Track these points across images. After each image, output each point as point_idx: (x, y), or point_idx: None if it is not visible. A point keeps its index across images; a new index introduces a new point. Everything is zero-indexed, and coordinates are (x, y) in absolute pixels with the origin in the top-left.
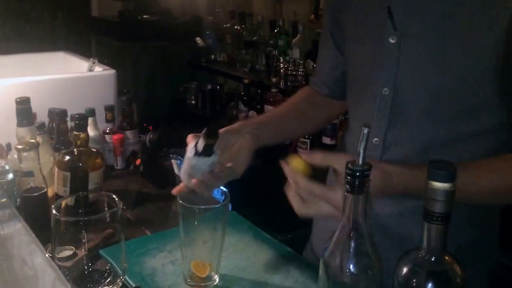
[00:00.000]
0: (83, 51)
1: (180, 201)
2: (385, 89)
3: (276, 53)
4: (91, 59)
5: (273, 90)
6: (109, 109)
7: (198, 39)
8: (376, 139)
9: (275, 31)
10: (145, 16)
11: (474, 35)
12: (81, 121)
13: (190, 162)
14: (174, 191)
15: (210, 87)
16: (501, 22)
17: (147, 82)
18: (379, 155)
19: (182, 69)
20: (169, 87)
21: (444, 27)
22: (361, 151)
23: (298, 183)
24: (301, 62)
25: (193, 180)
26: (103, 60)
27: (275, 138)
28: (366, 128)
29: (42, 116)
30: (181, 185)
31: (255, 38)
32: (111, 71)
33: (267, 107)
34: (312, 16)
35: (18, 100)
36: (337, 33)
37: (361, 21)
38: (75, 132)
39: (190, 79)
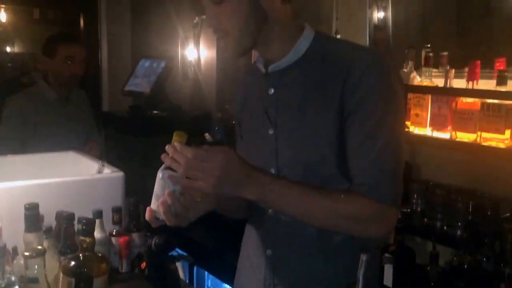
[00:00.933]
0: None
1: None
2: (272, 169)
3: None
4: (100, 162)
5: None
6: (116, 211)
7: (207, 135)
8: (270, 211)
9: None
10: (155, 112)
11: (321, 121)
12: (88, 226)
13: (157, 177)
14: (147, 217)
15: None
16: (334, 107)
17: (154, 173)
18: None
19: None
20: None
21: (303, 119)
22: (360, 277)
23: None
24: None
25: (160, 201)
26: (113, 154)
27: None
28: (365, 255)
29: (49, 218)
30: (148, 210)
31: None
32: (119, 174)
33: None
34: None
35: (27, 206)
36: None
37: (250, 118)
38: (81, 237)
39: None
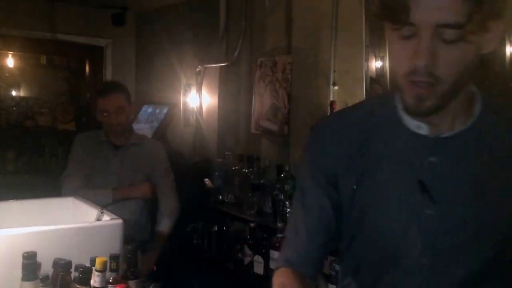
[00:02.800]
0: None
1: None
2: (425, 258)
3: (282, 197)
4: (99, 209)
5: (279, 235)
6: (114, 258)
7: (207, 180)
8: None
9: (282, 175)
10: None
11: (505, 207)
12: (85, 275)
13: None
14: None
15: (216, 228)
16: None
17: (155, 217)
18: None
19: (190, 209)
20: (177, 226)
21: (478, 200)
22: None
23: None
24: None
25: None
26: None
27: None
28: None
29: (46, 265)
30: None
31: (262, 181)
32: (119, 221)
33: (273, 252)
34: None
35: (25, 255)
36: (334, 194)
37: (383, 187)
38: (77, 286)
39: (198, 219)
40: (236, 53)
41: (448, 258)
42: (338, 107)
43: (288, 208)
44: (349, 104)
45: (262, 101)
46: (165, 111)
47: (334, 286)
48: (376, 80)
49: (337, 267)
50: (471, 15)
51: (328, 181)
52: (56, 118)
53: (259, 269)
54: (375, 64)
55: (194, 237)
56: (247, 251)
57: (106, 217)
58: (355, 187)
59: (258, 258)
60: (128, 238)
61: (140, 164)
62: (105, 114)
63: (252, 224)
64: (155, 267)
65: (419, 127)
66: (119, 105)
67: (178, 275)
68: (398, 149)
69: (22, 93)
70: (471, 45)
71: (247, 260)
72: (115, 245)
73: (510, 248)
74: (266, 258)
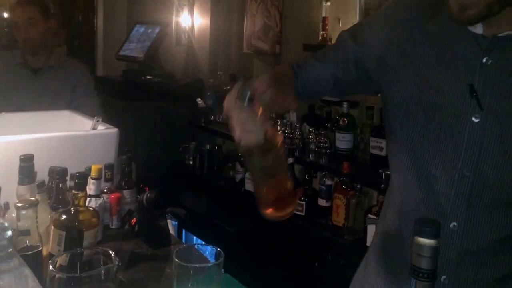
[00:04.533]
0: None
1: (176, 260)
2: (466, 171)
3: (274, 116)
4: (95, 118)
5: None
6: (108, 167)
7: (199, 100)
8: (454, 223)
9: None
10: (148, 77)
11: None
12: (81, 180)
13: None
14: None
15: (208, 148)
16: None
17: (147, 141)
18: (457, 242)
19: (182, 129)
20: (169, 146)
21: None
22: None
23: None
24: (297, 125)
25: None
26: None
27: None
28: None
29: (42, 174)
30: None
31: None
32: (114, 130)
33: None
34: None
35: (22, 157)
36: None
37: (430, 87)
38: (73, 191)
39: (190, 139)
40: None
41: (492, 174)
42: (330, 23)
43: (279, 126)
44: (342, 20)
45: (254, 20)
46: (157, 30)
47: (324, 201)
48: None
49: (327, 182)
50: None
51: (361, 58)
52: None
53: (250, 185)
54: None
55: (186, 157)
56: (239, 168)
57: (101, 126)
58: (402, 76)
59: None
60: (122, 148)
61: (59, 90)
62: (14, 27)
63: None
64: (146, 188)
65: (477, 27)
66: (28, 16)
67: (172, 193)
68: (454, 48)
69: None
70: None
71: (238, 177)
72: (110, 154)
73: None
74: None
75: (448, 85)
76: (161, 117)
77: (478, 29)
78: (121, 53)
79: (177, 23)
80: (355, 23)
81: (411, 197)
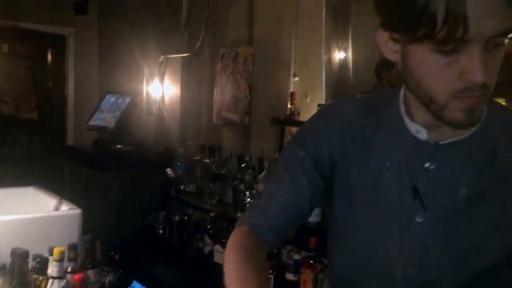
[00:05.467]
0: (57, 178)
1: None
2: (410, 269)
3: (243, 187)
4: (58, 199)
5: None
6: (72, 247)
7: (169, 170)
8: None
9: (243, 165)
10: (118, 146)
11: (505, 216)
12: (41, 265)
13: None
14: None
15: (178, 218)
16: None
17: (117, 210)
18: None
19: (152, 198)
20: (139, 215)
21: (474, 207)
22: None
23: None
24: None
25: None
26: (75, 187)
27: None
28: None
29: (4, 256)
30: None
31: (223, 171)
32: (77, 211)
33: None
34: (277, 154)
35: None
36: (317, 178)
37: (374, 188)
38: (34, 276)
39: (160, 208)
40: (198, 44)
41: (436, 271)
42: (298, 98)
43: (248, 198)
44: (309, 95)
45: (223, 92)
46: (127, 100)
47: (292, 275)
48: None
49: (295, 257)
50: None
51: (317, 163)
52: (19, 107)
53: (219, 258)
54: (338, 55)
55: (156, 227)
56: (208, 240)
57: (64, 207)
58: (349, 177)
59: (218, 248)
60: (86, 228)
61: None
62: None
63: (212, 214)
64: (116, 256)
65: (418, 131)
66: None
67: (139, 264)
68: (397, 151)
69: None
70: (503, 50)
71: (207, 249)
72: (73, 234)
73: (503, 269)
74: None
75: (394, 187)
76: (132, 186)
77: (422, 134)
78: (92, 122)
79: (148, 93)
80: (295, 134)
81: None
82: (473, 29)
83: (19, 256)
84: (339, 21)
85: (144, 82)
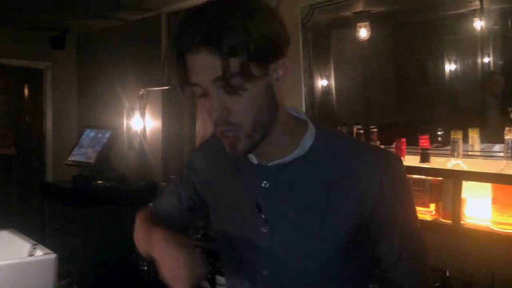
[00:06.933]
0: (35, 218)
1: None
2: (264, 272)
3: None
4: (31, 245)
5: None
6: None
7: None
8: None
9: None
10: (99, 182)
11: (329, 226)
12: None
13: None
14: None
15: None
16: (347, 214)
17: (98, 248)
18: None
19: None
20: (122, 252)
21: (306, 219)
22: None
23: None
24: None
25: None
26: (55, 226)
27: None
28: None
29: None
30: None
31: None
32: (52, 256)
33: (218, 278)
34: None
35: None
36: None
37: (232, 204)
38: None
39: None
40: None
41: (285, 273)
42: None
43: None
44: None
45: (205, 124)
46: (108, 134)
47: None
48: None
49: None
50: (227, 69)
51: (193, 187)
52: None
53: None
54: (321, 82)
55: (140, 263)
56: None
57: (39, 252)
58: (210, 201)
59: (204, 284)
60: (64, 271)
61: None
62: None
63: (197, 249)
64: None
65: (251, 157)
66: None
67: None
68: (243, 175)
69: None
70: (254, 90)
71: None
72: (48, 281)
73: (334, 266)
74: (212, 284)
75: (243, 204)
76: (114, 223)
77: (254, 160)
78: (71, 158)
79: (129, 127)
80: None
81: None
82: (192, 76)
83: None
84: (320, 51)
85: (125, 116)
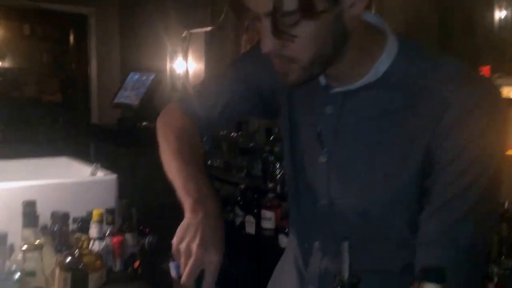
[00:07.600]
0: (82, 156)
1: None
2: (322, 201)
3: (273, 158)
4: (94, 164)
5: (270, 195)
6: (109, 212)
7: None
8: (317, 242)
9: (271, 138)
10: (143, 123)
11: (396, 163)
12: (84, 224)
13: None
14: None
15: None
16: (418, 155)
17: (145, 187)
18: (319, 259)
19: None
20: (167, 191)
21: (369, 154)
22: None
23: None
24: None
25: None
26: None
27: None
28: (346, 242)
29: (44, 219)
30: None
31: (251, 144)
32: (113, 176)
33: (264, 212)
34: None
35: (24, 203)
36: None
37: (297, 133)
38: (76, 236)
39: None
40: (222, 17)
41: (341, 205)
42: None
43: (279, 169)
44: None
45: None
46: (151, 77)
47: None
48: None
49: None
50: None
51: (259, 84)
52: (42, 90)
53: (250, 229)
54: None
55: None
56: (239, 212)
57: (100, 173)
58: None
59: (249, 218)
60: (122, 193)
61: None
62: None
63: (242, 186)
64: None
65: (321, 78)
66: None
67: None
68: (309, 97)
69: (7, 64)
70: (316, 26)
71: (238, 220)
72: (110, 199)
73: (403, 211)
74: (258, 218)
75: (305, 131)
76: (158, 163)
77: (323, 80)
78: (116, 100)
79: (172, 69)
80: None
81: (293, 222)
82: (249, 2)
83: (60, 218)
84: None
85: (168, 59)
